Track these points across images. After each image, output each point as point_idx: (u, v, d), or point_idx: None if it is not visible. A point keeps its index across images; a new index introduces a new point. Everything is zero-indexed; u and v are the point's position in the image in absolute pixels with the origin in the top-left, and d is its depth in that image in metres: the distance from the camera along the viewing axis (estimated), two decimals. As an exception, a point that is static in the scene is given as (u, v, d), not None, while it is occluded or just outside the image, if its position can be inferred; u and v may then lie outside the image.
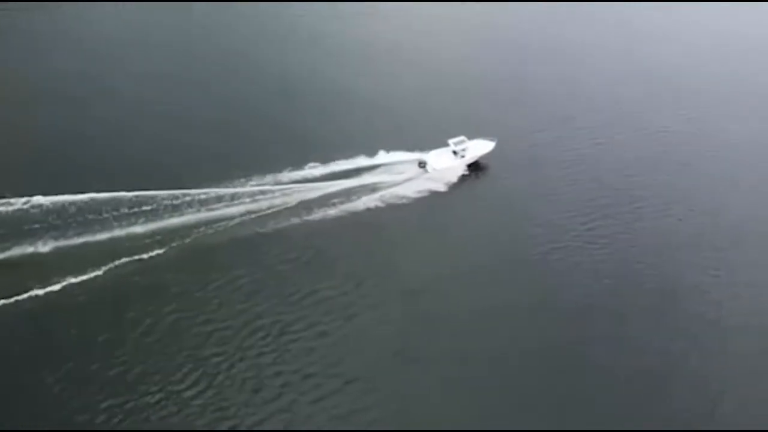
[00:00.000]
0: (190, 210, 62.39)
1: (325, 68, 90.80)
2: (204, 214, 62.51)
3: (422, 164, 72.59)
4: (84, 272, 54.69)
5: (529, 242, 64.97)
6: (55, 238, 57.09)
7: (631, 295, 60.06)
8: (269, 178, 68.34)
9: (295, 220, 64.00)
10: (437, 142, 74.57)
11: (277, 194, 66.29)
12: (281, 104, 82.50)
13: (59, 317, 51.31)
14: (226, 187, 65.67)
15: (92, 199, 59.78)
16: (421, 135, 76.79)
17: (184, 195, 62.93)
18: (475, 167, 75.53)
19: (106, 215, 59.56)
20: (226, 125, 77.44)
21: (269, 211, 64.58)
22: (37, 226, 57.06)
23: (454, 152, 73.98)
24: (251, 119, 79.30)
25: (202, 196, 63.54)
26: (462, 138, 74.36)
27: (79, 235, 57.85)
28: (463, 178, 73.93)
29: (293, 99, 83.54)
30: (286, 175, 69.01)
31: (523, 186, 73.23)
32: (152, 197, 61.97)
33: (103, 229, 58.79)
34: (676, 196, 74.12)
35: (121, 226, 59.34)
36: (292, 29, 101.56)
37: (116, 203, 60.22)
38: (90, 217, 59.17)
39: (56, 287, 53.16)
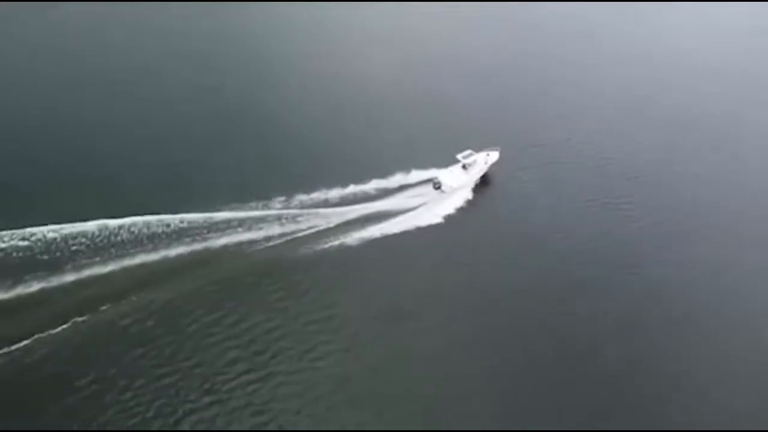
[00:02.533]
0: (196, 237, 58.55)
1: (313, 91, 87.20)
2: (210, 243, 58.80)
3: (437, 185, 70.87)
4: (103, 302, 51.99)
5: (560, 256, 64.87)
6: (65, 270, 52.99)
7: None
8: (279, 203, 65.06)
9: (310, 249, 61.30)
10: (442, 156, 73.00)
11: (289, 220, 63.06)
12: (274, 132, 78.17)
13: (79, 348, 48.89)
14: (236, 211, 62.00)
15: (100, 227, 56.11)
16: (427, 152, 74.93)
17: (182, 221, 58.97)
18: (484, 178, 74.75)
19: (114, 242, 55.90)
20: (227, 146, 73.72)
21: (281, 240, 61.30)
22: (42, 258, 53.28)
23: (464, 167, 72.47)
24: (251, 144, 74.92)
25: (209, 221, 59.82)
26: (470, 152, 73.13)
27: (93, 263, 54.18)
28: (477, 191, 73.06)
29: (286, 125, 79.35)
30: (297, 200, 66.03)
31: (539, 192, 73.37)
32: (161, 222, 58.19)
33: (112, 258, 55.06)
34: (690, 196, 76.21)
35: (133, 253, 55.79)
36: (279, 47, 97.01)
37: (127, 229, 56.64)
38: (98, 244, 55.40)
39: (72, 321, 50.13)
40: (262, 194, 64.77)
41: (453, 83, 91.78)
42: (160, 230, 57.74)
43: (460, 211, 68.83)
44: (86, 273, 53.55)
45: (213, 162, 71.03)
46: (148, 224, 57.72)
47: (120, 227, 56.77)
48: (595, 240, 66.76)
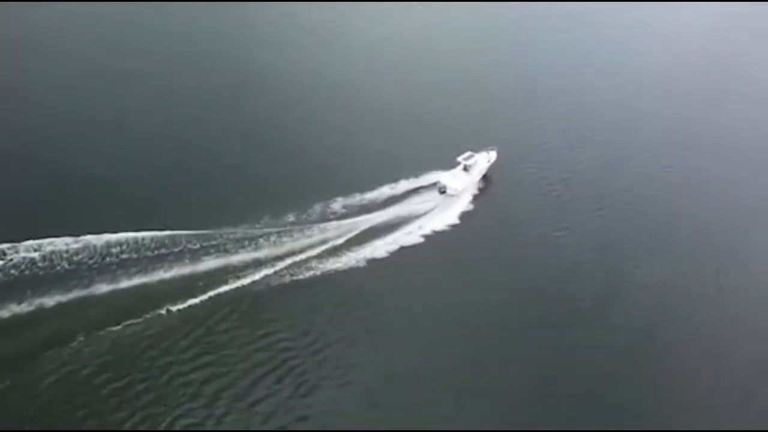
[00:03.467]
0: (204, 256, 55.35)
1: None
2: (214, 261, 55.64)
3: (442, 190, 70.58)
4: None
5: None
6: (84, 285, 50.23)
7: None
8: (286, 219, 61.66)
9: (328, 265, 58.36)
10: (438, 159, 72.38)
11: (287, 238, 59.66)
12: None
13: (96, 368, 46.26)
14: (239, 228, 58.89)
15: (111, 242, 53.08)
16: (423, 157, 74.10)
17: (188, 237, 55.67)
18: (483, 178, 74.71)
19: (125, 258, 52.89)
20: (221, 162, 69.76)
21: (302, 256, 58.07)
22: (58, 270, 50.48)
23: (465, 168, 72.20)
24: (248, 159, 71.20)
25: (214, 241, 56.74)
26: (470, 153, 73.17)
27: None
28: (480, 193, 72.88)
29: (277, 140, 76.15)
30: (294, 215, 62.57)
31: (540, 192, 74.09)
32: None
33: (123, 277, 51.90)
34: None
35: (138, 274, 52.47)
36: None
37: (133, 246, 53.47)
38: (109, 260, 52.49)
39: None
40: (257, 211, 60.96)
41: (439, 86, 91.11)
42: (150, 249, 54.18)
43: (466, 218, 67.92)
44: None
45: (207, 174, 67.37)
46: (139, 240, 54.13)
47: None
48: (598, 245, 67.45)
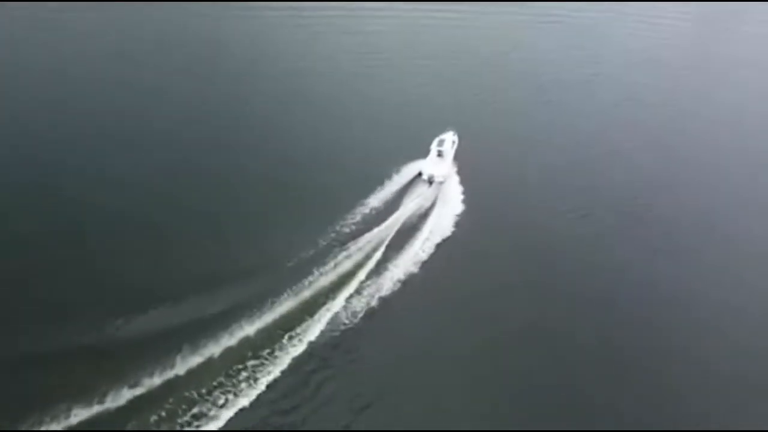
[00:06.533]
0: None
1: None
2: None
3: (431, 179, 67.76)
4: None
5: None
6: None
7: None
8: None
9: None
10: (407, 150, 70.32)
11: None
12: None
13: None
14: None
15: None
16: (392, 150, 71.33)
17: None
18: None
19: None
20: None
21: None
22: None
23: (439, 154, 70.41)
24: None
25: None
26: (440, 138, 71.81)
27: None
28: (459, 175, 70.39)
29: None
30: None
31: (512, 167, 74.25)
32: None
33: None
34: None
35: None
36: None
37: None
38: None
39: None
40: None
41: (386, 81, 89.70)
42: None
43: (471, 202, 65.15)
44: None
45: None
46: None
47: None
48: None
